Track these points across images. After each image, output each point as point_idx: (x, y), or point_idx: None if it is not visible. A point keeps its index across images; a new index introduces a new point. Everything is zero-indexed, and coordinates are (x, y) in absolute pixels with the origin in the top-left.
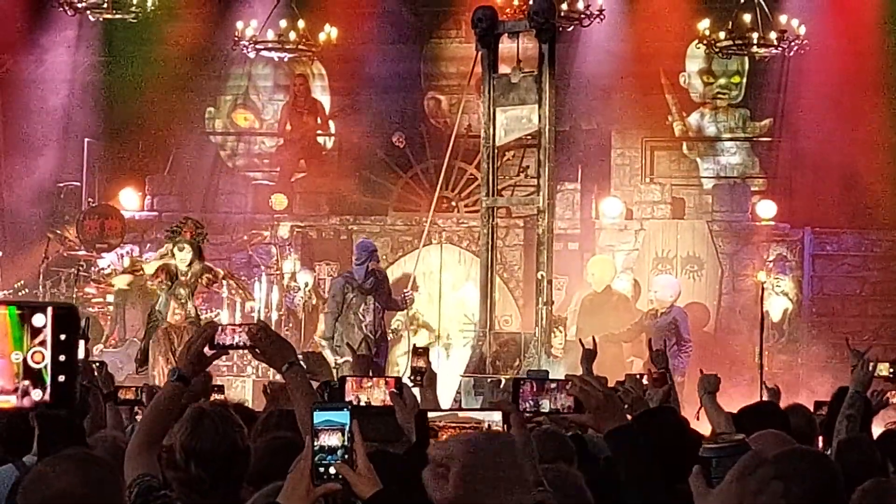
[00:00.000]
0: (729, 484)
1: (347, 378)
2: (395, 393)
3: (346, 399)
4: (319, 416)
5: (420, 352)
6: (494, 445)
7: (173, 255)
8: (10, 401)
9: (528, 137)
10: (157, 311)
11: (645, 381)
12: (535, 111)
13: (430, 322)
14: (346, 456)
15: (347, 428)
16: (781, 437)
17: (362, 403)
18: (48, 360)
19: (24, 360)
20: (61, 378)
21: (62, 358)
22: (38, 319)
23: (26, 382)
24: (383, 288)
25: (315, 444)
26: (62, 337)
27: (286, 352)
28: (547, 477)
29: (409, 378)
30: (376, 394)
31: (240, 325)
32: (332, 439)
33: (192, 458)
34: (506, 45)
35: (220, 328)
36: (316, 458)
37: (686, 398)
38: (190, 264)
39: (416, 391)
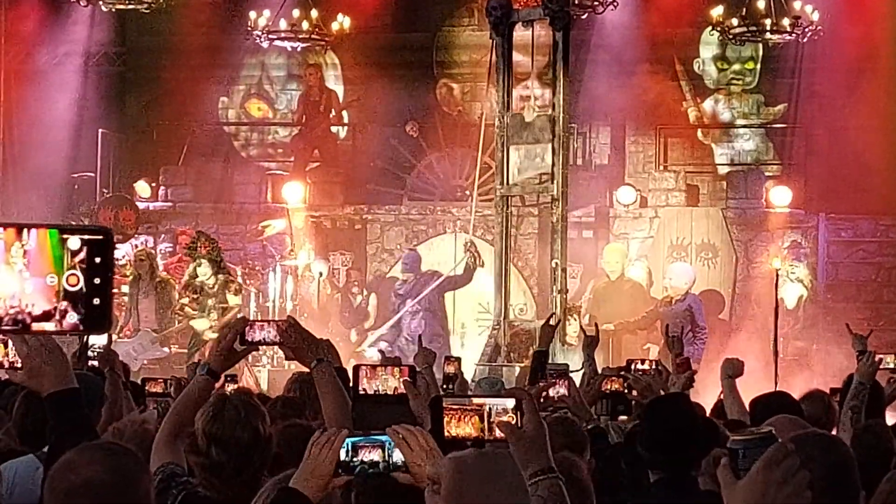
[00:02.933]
0: (755, 474)
1: (361, 367)
2: (408, 381)
3: (360, 388)
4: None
5: (452, 359)
6: (485, 465)
7: (196, 273)
8: (50, 326)
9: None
10: (197, 334)
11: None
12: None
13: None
14: (388, 470)
15: (388, 444)
16: (796, 421)
17: (377, 392)
18: (82, 282)
19: (59, 283)
20: (96, 301)
21: (97, 281)
22: (73, 242)
23: (65, 304)
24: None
25: (355, 459)
26: (97, 260)
27: (315, 348)
28: None
29: (442, 386)
30: (390, 382)
31: (269, 322)
32: (373, 454)
33: (214, 444)
34: (520, 34)
35: (249, 324)
36: (357, 470)
37: (701, 385)
38: (212, 277)
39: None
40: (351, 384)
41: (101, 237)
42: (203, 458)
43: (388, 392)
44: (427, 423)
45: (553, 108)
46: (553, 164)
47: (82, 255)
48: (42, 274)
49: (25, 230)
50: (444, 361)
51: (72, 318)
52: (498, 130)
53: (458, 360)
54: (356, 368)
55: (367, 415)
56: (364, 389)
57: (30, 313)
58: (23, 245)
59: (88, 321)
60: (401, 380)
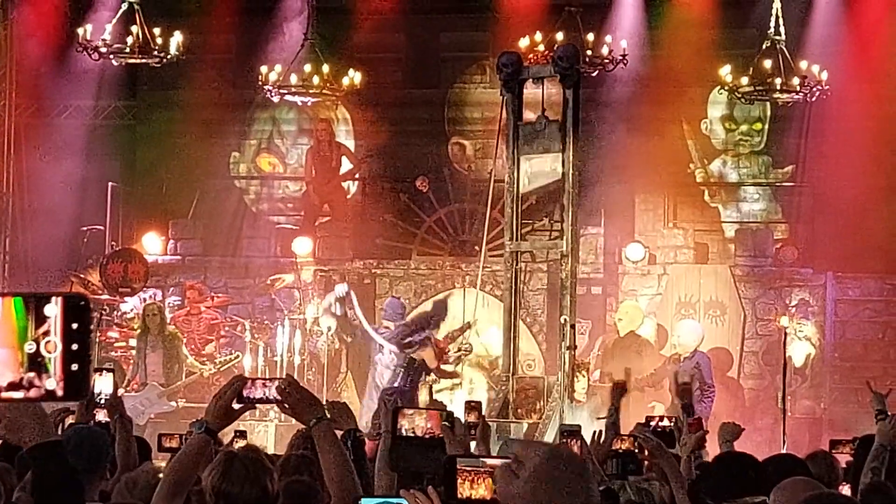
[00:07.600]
0: None
1: (400, 410)
2: (445, 426)
3: (397, 428)
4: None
5: (473, 406)
6: (570, 464)
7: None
8: (16, 394)
9: (552, 184)
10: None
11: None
12: (559, 158)
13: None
14: None
15: None
16: (809, 482)
17: (407, 433)
18: (59, 349)
19: (37, 349)
20: (74, 367)
21: (74, 347)
22: (49, 309)
23: (31, 374)
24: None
25: None
26: (74, 326)
27: (314, 407)
28: None
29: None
30: (417, 421)
31: (269, 380)
32: None
33: (223, 500)
34: (530, 91)
35: (248, 381)
36: None
37: (708, 444)
38: None
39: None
40: (390, 426)
41: (77, 303)
42: None
43: (420, 433)
44: None
45: (563, 164)
46: (562, 221)
47: (58, 321)
48: (7, 344)
49: None
50: (464, 408)
51: (50, 384)
52: (507, 186)
53: (479, 404)
54: (395, 411)
55: (404, 457)
56: (401, 431)
57: None
58: None
59: (67, 387)
60: (430, 421)
